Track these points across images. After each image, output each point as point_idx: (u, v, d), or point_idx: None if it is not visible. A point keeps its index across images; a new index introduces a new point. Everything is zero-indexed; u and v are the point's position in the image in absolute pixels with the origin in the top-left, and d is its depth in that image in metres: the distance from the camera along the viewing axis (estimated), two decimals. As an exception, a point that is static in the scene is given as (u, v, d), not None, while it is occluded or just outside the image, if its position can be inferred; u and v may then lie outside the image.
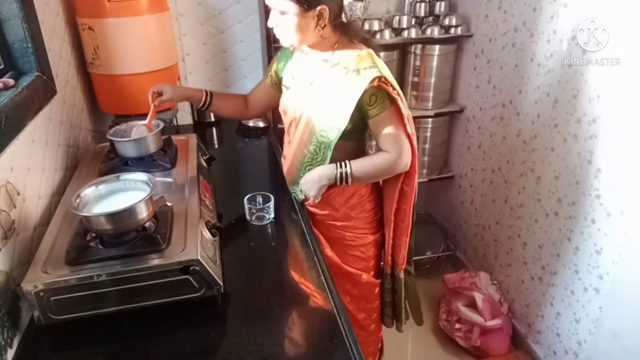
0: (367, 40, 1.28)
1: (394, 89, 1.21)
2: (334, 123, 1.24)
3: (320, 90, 1.27)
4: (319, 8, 1.15)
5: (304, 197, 1.40)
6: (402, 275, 1.52)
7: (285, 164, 1.46)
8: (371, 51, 1.24)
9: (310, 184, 1.33)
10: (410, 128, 1.26)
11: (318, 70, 1.28)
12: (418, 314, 1.64)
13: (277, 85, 1.45)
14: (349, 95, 1.20)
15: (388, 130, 1.24)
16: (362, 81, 1.18)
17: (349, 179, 1.28)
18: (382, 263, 1.58)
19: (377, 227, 1.48)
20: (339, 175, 1.28)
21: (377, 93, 1.19)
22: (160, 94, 1.41)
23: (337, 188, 1.36)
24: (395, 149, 1.25)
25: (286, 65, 1.40)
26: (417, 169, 1.34)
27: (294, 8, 1.14)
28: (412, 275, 1.56)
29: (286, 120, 1.41)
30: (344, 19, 1.22)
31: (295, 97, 1.36)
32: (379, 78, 1.17)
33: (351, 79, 1.20)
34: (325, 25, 1.19)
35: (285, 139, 1.47)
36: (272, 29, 1.23)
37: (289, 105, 1.38)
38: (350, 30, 1.26)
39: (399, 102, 1.21)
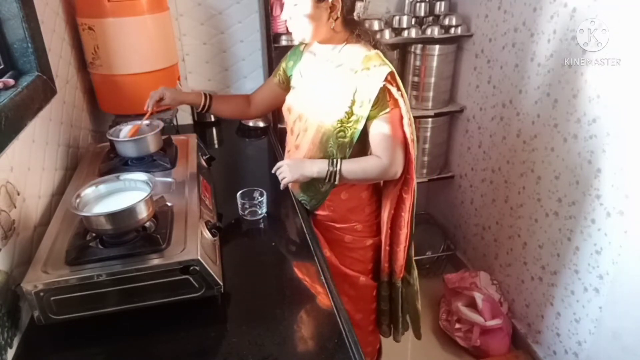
0: (376, 41, 1.27)
1: (399, 89, 1.20)
2: (350, 123, 1.23)
3: (325, 91, 1.27)
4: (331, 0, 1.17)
5: (311, 206, 1.41)
6: (399, 283, 1.50)
7: None
8: (379, 52, 1.23)
9: (296, 169, 1.27)
10: (410, 133, 1.23)
11: (324, 71, 1.29)
12: (416, 328, 1.60)
13: (285, 84, 1.45)
14: (365, 91, 1.19)
15: (383, 135, 1.23)
16: (375, 77, 1.18)
17: (337, 178, 1.26)
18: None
19: (377, 231, 1.47)
20: (328, 172, 1.26)
21: (380, 94, 1.19)
22: (161, 100, 1.40)
23: (336, 189, 1.35)
24: (386, 155, 1.24)
25: (295, 65, 1.40)
26: (415, 177, 1.30)
27: None
28: (411, 285, 1.51)
29: (290, 118, 1.40)
30: (355, 17, 1.23)
31: (302, 96, 1.36)
32: (389, 74, 1.17)
33: (362, 77, 1.20)
34: (337, 18, 1.20)
35: (289, 141, 1.45)
36: (283, 20, 1.26)
37: (294, 104, 1.38)
38: (360, 29, 1.26)
39: (401, 103, 1.20)
